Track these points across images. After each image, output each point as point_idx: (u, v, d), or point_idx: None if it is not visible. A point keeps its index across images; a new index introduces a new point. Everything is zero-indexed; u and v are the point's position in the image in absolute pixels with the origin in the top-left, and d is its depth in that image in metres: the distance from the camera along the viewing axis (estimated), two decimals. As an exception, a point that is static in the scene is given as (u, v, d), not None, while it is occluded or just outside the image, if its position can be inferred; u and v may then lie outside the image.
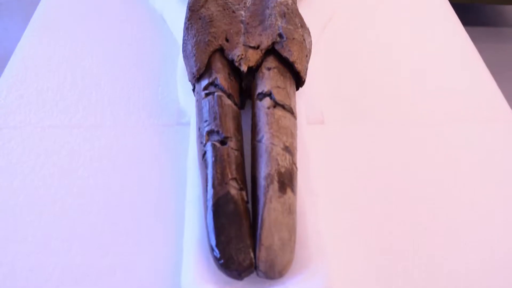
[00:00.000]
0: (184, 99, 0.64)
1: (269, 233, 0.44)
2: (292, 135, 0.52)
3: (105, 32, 0.79)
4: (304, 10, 0.76)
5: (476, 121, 0.67)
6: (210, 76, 0.56)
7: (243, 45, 0.58)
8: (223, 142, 0.51)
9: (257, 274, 0.44)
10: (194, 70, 0.57)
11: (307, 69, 0.59)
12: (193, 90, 0.58)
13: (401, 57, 0.76)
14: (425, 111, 0.67)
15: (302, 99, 0.64)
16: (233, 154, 0.50)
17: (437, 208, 0.56)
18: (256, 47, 0.58)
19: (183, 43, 0.60)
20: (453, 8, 0.88)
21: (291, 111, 0.54)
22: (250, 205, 0.49)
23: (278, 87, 0.54)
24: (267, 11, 0.61)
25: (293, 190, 0.48)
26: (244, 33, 0.59)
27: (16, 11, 2.43)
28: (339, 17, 0.82)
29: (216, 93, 0.54)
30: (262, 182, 0.47)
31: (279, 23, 0.59)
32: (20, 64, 0.74)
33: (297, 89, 0.60)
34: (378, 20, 0.83)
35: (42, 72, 0.72)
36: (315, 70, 0.69)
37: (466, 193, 0.57)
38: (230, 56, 0.57)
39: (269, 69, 0.56)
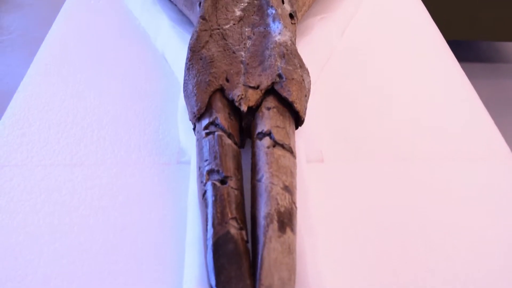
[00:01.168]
0: (185, 138, 0.65)
1: (269, 273, 0.44)
2: (292, 174, 0.52)
3: (107, 70, 0.81)
4: (303, 49, 0.78)
5: (474, 159, 0.67)
6: (210, 115, 0.56)
7: (243, 85, 0.59)
8: (223, 181, 0.51)
9: (257, 314, 0.44)
10: (195, 109, 0.58)
11: (306, 108, 0.60)
12: (194, 129, 0.59)
13: (399, 96, 0.77)
14: (424, 149, 0.68)
15: (302, 137, 0.64)
16: (233, 193, 0.50)
17: (437, 245, 0.56)
18: (256, 87, 0.59)
19: (184, 83, 0.61)
20: (450, 45, 0.90)
21: (290, 151, 0.54)
22: (250, 245, 0.49)
23: (278, 126, 0.55)
24: (267, 52, 0.62)
25: (293, 230, 0.48)
26: (244, 73, 0.60)
27: (19, 48, 2.46)
28: (338, 56, 0.84)
29: (216, 133, 0.55)
30: (261, 221, 0.48)
31: (279, 63, 0.60)
32: (23, 102, 0.75)
33: (296, 128, 0.61)
34: (375, 59, 0.84)
35: (44, 110, 0.73)
36: (314, 108, 0.70)
37: (465, 230, 0.58)
38: (230, 96, 0.58)
39: (268, 108, 0.57)
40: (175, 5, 0.87)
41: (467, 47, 2.41)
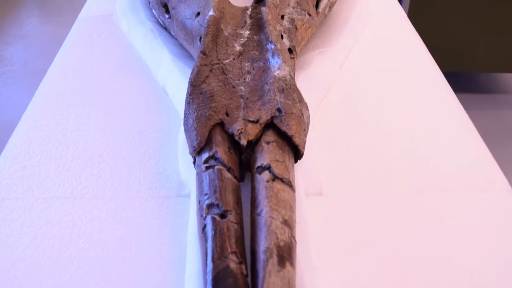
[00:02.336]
0: (185, 171, 0.66)
1: (269, 308, 0.44)
2: (291, 208, 0.53)
3: (108, 103, 0.82)
4: (302, 83, 0.79)
5: (472, 192, 0.68)
6: (210, 149, 0.57)
7: (243, 119, 0.60)
8: (223, 215, 0.51)
9: None
10: (195, 143, 0.58)
11: (305, 142, 0.61)
12: (194, 162, 0.60)
13: (397, 128, 0.77)
14: (422, 182, 0.68)
15: (301, 170, 0.65)
16: (233, 227, 0.50)
17: (437, 278, 0.56)
18: (256, 121, 0.59)
19: (185, 117, 0.62)
20: (448, 76, 0.91)
21: (290, 184, 0.55)
22: (249, 279, 0.49)
23: (277, 160, 0.56)
24: (266, 87, 0.63)
25: (292, 264, 0.48)
26: (244, 108, 0.61)
27: (21, 79, 2.48)
28: (336, 89, 0.84)
29: (216, 167, 0.55)
30: (261, 256, 0.48)
31: (278, 98, 0.61)
32: (24, 135, 0.75)
33: (296, 161, 0.61)
34: (373, 92, 0.85)
35: (45, 143, 0.74)
36: (313, 142, 0.71)
37: (465, 262, 0.58)
38: (230, 130, 0.59)
39: (268, 142, 0.58)
40: (176, 39, 0.89)
41: (465, 78, 2.43)
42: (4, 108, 2.28)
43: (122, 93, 0.84)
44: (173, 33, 0.89)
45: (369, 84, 0.87)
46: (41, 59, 2.66)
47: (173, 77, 0.81)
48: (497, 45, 2.10)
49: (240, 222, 0.52)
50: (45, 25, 3.05)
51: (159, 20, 0.95)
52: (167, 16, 0.89)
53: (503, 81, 2.48)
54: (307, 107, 0.63)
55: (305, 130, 0.61)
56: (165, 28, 0.93)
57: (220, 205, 0.52)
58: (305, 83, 0.80)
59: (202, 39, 0.69)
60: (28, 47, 2.77)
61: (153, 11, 0.97)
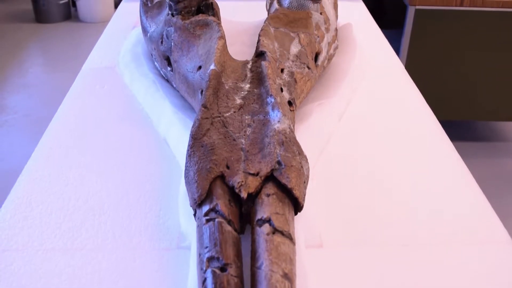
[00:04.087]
0: (185, 223, 0.66)
1: None
2: (291, 261, 0.53)
3: (110, 154, 0.82)
4: (302, 135, 0.80)
5: (472, 244, 0.68)
6: (211, 202, 0.58)
7: (243, 172, 0.60)
8: (223, 268, 0.51)
9: None
10: (196, 196, 0.59)
11: (305, 194, 0.62)
12: (194, 215, 0.60)
13: (396, 179, 0.78)
14: (422, 233, 0.69)
15: (301, 222, 0.65)
16: (233, 281, 0.50)
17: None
18: (256, 174, 0.60)
19: (186, 169, 0.63)
20: (447, 124, 0.92)
21: (290, 237, 0.55)
22: (249, 334, 0.49)
23: (277, 213, 0.56)
24: (266, 140, 0.64)
25: (293, 319, 0.48)
26: (244, 160, 0.62)
27: (23, 127, 2.50)
28: (336, 141, 0.86)
29: (216, 219, 0.56)
30: (261, 310, 0.48)
31: (278, 151, 0.62)
32: (26, 185, 0.76)
33: (296, 214, 0.62)
34: (372, 143, 0.86)
35: (47, 194, 0.74)
36: (313, 193, 0.71)
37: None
38: (230, 183, 0.60)
39: (268, 195, 0.58)
40: (178, 91, 0.90)
41: (463, 126, 2.46)
42: (6, 156, 2.29)
43: (124, 144, 0.85)
44: (175, 86, 0.90)
45: (368, 135, 0.88)
46: (43, 108, 2.69)
47: (174, 129, 0.82)
48: (495, 93, 2.13)
49: (240, 276, 0.52)
50: (49, 74, 3.10)
51: (161, 72, 0.97)
52: (169, 68, 0.91)
53: (501, 129, 2.50)
54: (307, 159, 0.64)
55: (305, 182, 0.62)
56: (167, 80, 0.95)
57: (221, 259, 0.52)
58: (304, 134, 0.81)
59: (203, 92, 0.71)
60: (31, 96, 2.81)
61: (156, 63, 0.99)
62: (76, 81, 1.06)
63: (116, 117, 0.92)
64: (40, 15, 3.73)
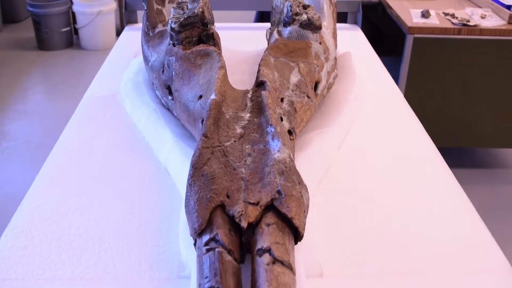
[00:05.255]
0: (185, 252, 0.66)
1: None
2: (291, 291, 0.53)
3: (111, 182, 0.83)
4: (301, 163, 0.80)
5: (472, 272, 0.68)
6: (211, 231, 0.58)
7: (243, 201, 0.61)
8: (223, 299, 0.51)
9: None
10: (196, 225, 0.59)
11: (305, 224, 0.62)
12: (195, 244, 0.60)
13: (395, 208, 0.78)
14: (422, 263, 0.68)
15: (301, 252, 0.65)
16: (233, 311, 0.50)
17: None
18: (256, 204, 0.60)
19: (186, 198, 0.63)
20: (447, 151, 0.92)
21: (290, 267, 0.55)
22: None
23: (277, 243, 0.56)
24: (266, 169, 0.64)
25: None
26: (244, 190, 0.62)
27: (23, 154, 2.51)
28: (336, 169, 0.86)
29: (217, 249, 0.56)
30: None
31: (278, 180, 0.62)
32: (27, 214, 0.76)
33: (296, 243, 0.62)
34: (371, 172, 0.86)
35: (47, 223, 0.74)
36: (313, 222, 0.71)
37: None
38: (231, 212, 0.60)
39: (268, 225, 0.58)
40: (179, 120, 0.91)
41: (464, 153, 2.46)
42: (6, 183, 2.29)
43: (124, 173, 0.85)
44: (175, 114, 0.91)
45: (367, 164, 0.88)
46: (44, 135, 2.70)
47: (175, 157, 0.83)
48: (494, 120, 2.14)
49: (240, 306, 0.52)
50: (50, 101, 3.11)
51: (162, 101, 0.98)
52: (170, 97, 0.92)
53: (501, 156, 2.50)
54: (307, 189, 0.64)
55: (304, 211, 0.62)
56: (168, 109, 0.96)
57: (221, 288, 0.52)
58: (305, 163, 0.81)
59: (204, 121, 0.71)
60: (32, 123, 2.82)
61: (157, 92, 1.00)
62: (77, 109, 1.06)
63: (117, 145, 0.93)
64: (43, 43, 3.77)
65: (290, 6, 0.93)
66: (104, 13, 3.72)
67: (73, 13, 3.80)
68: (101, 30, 3.78)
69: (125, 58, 1.28)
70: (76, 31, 3.88)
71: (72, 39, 3.89)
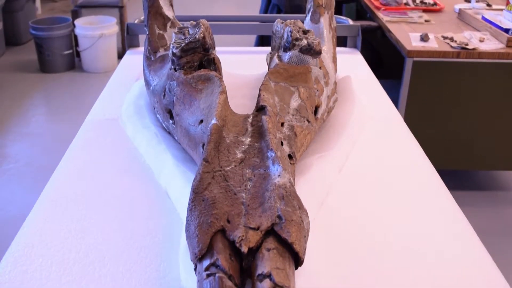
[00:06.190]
0: (186, 277, 0.66)
1: None
2: (292, 317, 0.53)
3: (112, 206, 0.83)
4: (302, 187, 0.81)
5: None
6: (211, 256, 0.58)
7: (244, 226, 0.61)
8: (223, 325, 0.51)
9: None
10: (196, 250, 0.59)
11: (305, 249, 0.62)
12: (195, 269, 0.60)
13: (396, 232, 0.78)
14: (423, 286, 0.68)
15: (302, 276, 0.65)
16: (233, 338, 0.50)
17: None
18: (256, 228, 0.61)
19: (187, 223, 0.63)
20: (448, 174, 0.92)
21: (290, 293, 0.55)
22: None
23: (278, 268, 0.56)
24: (267, 194, 0.64)
25: None
26: (244, 215, 0.63)
27: (24, 176, 2.51)
28: (336, 193, 0.86)
29: (217, 274, 0.56)
30: None
31: (278, 205, 0.62)
32: (27, 239, 0.76)
33: (296, 268, 0.62)
34: (371, 196, 0.86)
35: (47, 247, 0.74)
36: (313, 247, 0.71)
37: None
38: (231, 237, 0.60)
39: (268, 250, 0.58)
40: (180, 144, 0.92)
41: (464, 176, 2.46)
42: (6, 205, 2.29)
43: (125, 197, 0.85)
44: (176, 138, 0.92)
45: (367, 187, 0.88)
46: (45, 157, 2.70)
47: (176, 181, 0.83)
48: (493, 143, 2.15)
49: (240, 332, 0.51)
50: (51, 123, 3.13)
51: (163, 125, 0.99)
52: (171, 121, 0.92)
53: (502, 178, 2.50)
54: (307, 213, 0.64)
55: (305, 236, 0.62)
56: (169, 133, 0.97)
57: (221, 315, 0.52)
58: (305, 187, 0.81)
59: (204, 146, 0.72)
60: (33, 145, 2.83)
61: (158, 116, 1.01)
62: (79, 132, 1.07)
63: (118, 169, 0.93)
64: (45, 65, 3.80)
65: (290, 31, 0.94)
66: (105, 36, 3.75)
67: (75, 36, 3.83)
68: (102, 53, 3.81)
69: (127, 82, 1.29)
70: (78, 54, 3.92)
71: (74, 62, 3.93)
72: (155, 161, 0.91)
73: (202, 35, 0.89)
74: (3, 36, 4.15)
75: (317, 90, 0.94)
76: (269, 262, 0.57)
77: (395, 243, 0.76)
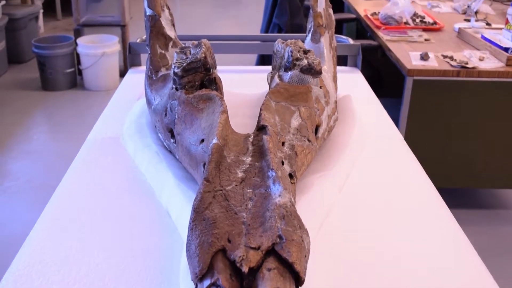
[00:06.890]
0: (186, 297, 0.66)
1: None
2: (292, 338, 0.52)
3: (112, 226, 0.83)
4: (302, 207, 0.81)
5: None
6: (212, 276, 0.58)
7: (245, 246, 0.61)
8: None
9: None
10: (197, 270, 0.59)
11: (306, 268, 0.62)
12: (195, 289, 0.60)
13: (396, 251, 0.78)
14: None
15: (302, 296, 0.65)
16: None
17: None
18: (257, 248, 0.61)
19: (187, 242, 0.63)
20: (449, 192, 0.92)
21: (291, 313, 0.55)
22: None
23: (278, 288, 0.56)
24: (268, 213, 0.65)
25: None
26: (245, 234, 0.63)
27: (25, 193, 2.51)
28: (336, 212, 0.86)
29: (217, 294, 0.56)
30: None
31: (279, 225, 0.62)
32: (28, 257, 0.76)
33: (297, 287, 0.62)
34: (372, 214, 0.86)
35: (48, 265, 0.74)
36: (314, 266, 0.71)
37: None
38: (232, 257, 0.60)
39: (269, 269, 0.58)
40: (181, 163, 0.92)
41: (465, 194, 2.46)
42: (7, 222, 2.29)
43: (126, 216, 0.85)
44: (177, 157, 0.92)
45: (368, 207, 0.89)
46: (46, 175, 2.70)
47: (176, 201, 0.83)
48: (494, 161, 2.15)
49: None
50: (53, 141, 3.14)
51: (164, 144, 0.99)
52: (172, 140, 0.93)
53: (503, 196, 2.50)
54: (308, 233, 0.64)
55: (305, 256, 0.62)
56: (170, 152, 0.97)
57: (222, 334, 0.52)
58: (305, 206, 0.82)
59: (205, 165, 0.72)
60: (34, 162, 2.83)
61: (159, 135, 1.01)
62: (80, 150, 1.07)
63: (119, 187, 0.93)
64: (47, 83, 3.82)
65: (291, 51, 0.95)
66: (107, 55, 3.78)
67: (78, 55, 3.86)
68: (104, 72, 3.83)
69: (129, 100, 1.30)
70: (80, 72, 3.94)
71: (76, 80, 3.95)
72: (156, 179, 0.92)
73: (203, 55, 0.90)
74: (6, 54, 4.18)
75: (318, 110, 0.94)
76: (269, 282, 0.57)
77: (396, 263, 0.76)
